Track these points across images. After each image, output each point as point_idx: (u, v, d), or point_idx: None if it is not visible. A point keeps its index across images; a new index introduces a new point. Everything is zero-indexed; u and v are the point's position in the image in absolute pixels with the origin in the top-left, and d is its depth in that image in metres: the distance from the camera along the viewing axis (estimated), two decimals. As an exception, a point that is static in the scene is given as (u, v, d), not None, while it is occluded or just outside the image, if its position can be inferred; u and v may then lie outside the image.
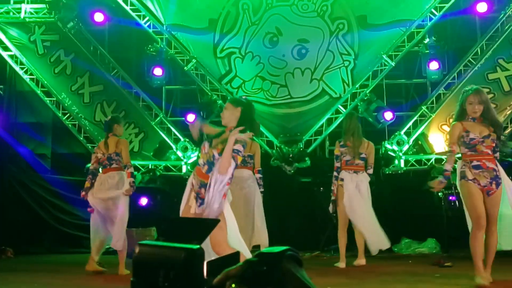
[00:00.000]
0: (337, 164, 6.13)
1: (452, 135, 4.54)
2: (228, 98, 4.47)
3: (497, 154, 4.55)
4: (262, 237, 5.98)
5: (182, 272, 1.24)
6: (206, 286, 1.23)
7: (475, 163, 4.41)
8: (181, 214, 4.14)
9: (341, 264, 6.06)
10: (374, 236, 6.00)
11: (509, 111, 8.45)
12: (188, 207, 4.09)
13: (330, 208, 6.21)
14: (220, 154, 3.97)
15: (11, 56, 8.98)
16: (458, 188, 4.56)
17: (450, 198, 7.76)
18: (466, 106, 4.51)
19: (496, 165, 4.46)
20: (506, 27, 8.55)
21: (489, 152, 4.44)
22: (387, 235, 6.14)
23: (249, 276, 1.12)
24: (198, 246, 1.26)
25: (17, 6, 8.96)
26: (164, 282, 1.25)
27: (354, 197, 6.00)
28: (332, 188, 6.16)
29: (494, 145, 4.47)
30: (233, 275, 1.15)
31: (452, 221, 7.37)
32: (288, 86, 8.76)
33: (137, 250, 1.33)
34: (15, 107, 9.12)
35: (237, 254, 1.27)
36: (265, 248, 4.11)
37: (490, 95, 8.47)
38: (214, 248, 3.99)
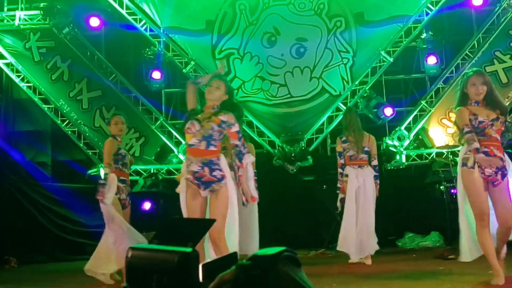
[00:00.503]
0: (341, 161, 6.10)
1: (463, 118, 4.13)
2: (219, 76, 4.38)
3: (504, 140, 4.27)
4: (253, 246, 5.88)
5: (176, 276, 1.21)
6: None
7: (483, 149, 4.06)
8: (188, 211, 4.03)
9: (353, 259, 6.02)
10: (366, 238, 5.94)
11: (507, 103, 8.50)
12: (194, 200, 4.00)
13: (338, 206, 6.19)
14: (219, 126, 3.98)
15: (7, 64, 8.88)
16: (459, 176, 4.21)
17: (452, 191, 7.81)
18: (468, 89, 4.18)
19: (504, 154, 4.15)
20: (502, 20, 8.61)
21: (498, 137, 4.12)
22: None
23: (242, 280, 1.09)
24: (192, 249, 1.23)
25: (11, 13, 8.86)
26: (158, 287, 1.23)
27: (359, 193, 5.99)
28: (339, 185, 6.14)
29: (503, 128, 4.15)
30: (227, 279, 1.13)
31: (454, 213, 7.38)
32: (288, 85, 8.76)
33: (129, 254, 1.29)
34: (12, 115, 9.01)
35: (234, 255, 1.25)
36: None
37: (488, 88, 8.55)
38: (212, 234, 3.93)
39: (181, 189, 4.09)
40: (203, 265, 1.21)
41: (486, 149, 4.06)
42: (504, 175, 4.06)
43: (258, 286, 1.08)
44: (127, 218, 5.30)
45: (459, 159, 4.25)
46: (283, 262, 1.10)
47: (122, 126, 5.46)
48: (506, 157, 4.17)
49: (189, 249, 1.23)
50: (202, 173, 3.95)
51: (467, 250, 4.27)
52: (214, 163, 3.98)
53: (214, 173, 3.97)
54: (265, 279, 1.08)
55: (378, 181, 6.06)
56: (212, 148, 3.99)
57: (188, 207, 4.03)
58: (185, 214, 4.07)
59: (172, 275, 1.22)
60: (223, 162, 4.05)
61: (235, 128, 4.04)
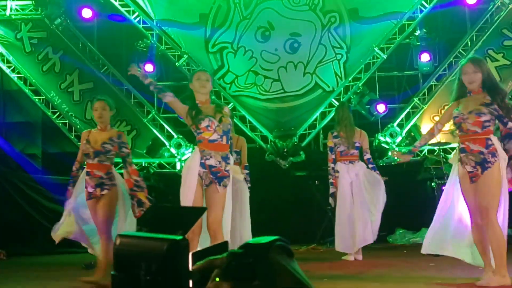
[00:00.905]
0: (332, 156, 6.05)
1: (443, 114, 4.21)
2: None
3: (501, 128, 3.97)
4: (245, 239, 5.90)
5: (164, 264, 1.19)
6: (190, 278, 1.18)
7: (461, 146, 4.01)
8: (191, 199, 4.04)
9: (350, 257, 5.99)
10: (361, 229, 5.92)
11: (499, 101, 8.56)
12: (197, 193, 4.04)
13: (331, 202, 6.18)
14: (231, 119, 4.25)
15: (-3, 55, 8.79)
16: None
17: (443, 188, 7.85)
18: (462, 78, 4.05)
19: (486, 146, 3.88)
20: (495, 18, 8.64)
21: (478, 129, 3.89)
22: (381, 226, 6.16)
23: (234, 268, 1.07)
24: (182, 237, 1.21)
25: (3, 3, 8.76)
26: (146, 275, 1.20)
27: (353, 187, 5.98)
28: (331, 180, 6.10)
29: (484, 119, 3.88)
30: (217, 265, 1.11)
31: (445, 211, 7.46)
32: (281, 81, 8.74)
33: (117, 241, 1.27)
34: (3, 106, 8.93)
35: (225, 244, 1.23)
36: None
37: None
38: (212, 226, 4.01)
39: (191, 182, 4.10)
40: (193, 254, 1.19)
41: (463, 145, 3.99)
42: (485, 168, 3.87)
43: (249, 274, 1.05)
44: (102, 209, 4.72)
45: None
46: (276, 251, 1.08)
47: (102, 112, 4.82)
48: (495, 146, 3.89)
49: (179, 237, 1.20)
50: (220, 167, 4.07)
51: (429, 242, 4.29)
52: (228, 157, 4.15)
53: (227, 168, 4.12)
54: (257, 268, 1.06)
55: (377, 171, 6.08)
56: (228, 142, 4.17)
57: (193, 199, 4.06)
58: (184, 203, 4.08)
59: (161, 263, 1.19)
60: (230, 156, 4.22)
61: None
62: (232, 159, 4.25)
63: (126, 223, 4.74)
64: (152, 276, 1.17)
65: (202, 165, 4.06)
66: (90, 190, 4.70)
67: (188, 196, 4.04)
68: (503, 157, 3.91)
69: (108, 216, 4.70)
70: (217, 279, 1.06)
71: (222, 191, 4.08)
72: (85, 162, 4.85)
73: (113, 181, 4.78)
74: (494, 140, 3.92)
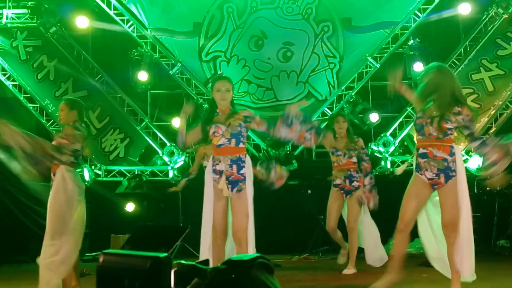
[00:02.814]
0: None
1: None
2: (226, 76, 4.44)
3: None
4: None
5: (148, 281, 1.19)
6: None
7: (421, 150, 3.75)
8: (210, 211, 4.00)
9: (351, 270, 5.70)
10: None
11: (493, 111, 8.53)
12: (218, 202, 4.01)
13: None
14: (245, 121, 4.06)
15: (-7, 62, 8.87)
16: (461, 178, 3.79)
17: (436, 198, 7.80)
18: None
19: (450, 154, 3.70)
20: (489, 28, 8.63)
21: (441, 136, 3.70)
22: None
23: (217, 284, 1.08)
24: (165, 254, 1.21)
25: (-2, 11, 8.85)
26: None
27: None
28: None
29: (449, 126, 3.70)
30: (199, 273, 1.12)
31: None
32: (274, 89, 8.77)
33: (101, 259, 1.27)
34: (-3, 114, 8.98)
35: (206, 262, 1.22)
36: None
37: (474, 96, 8.55)
38: (237, 234, 3.97)
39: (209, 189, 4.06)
40: (175, 271, 1.19)
41: (424, 150, 3.74)
42: (449, 177, 3.68)
43: None
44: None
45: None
46: (257, 268, 1.09)
47: (60, 113, 4.54)
48: (457, 156, 3.72)
49: (162, 254, 1.21)
50: (231, 171, 3.99)
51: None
52: (242, 160, 4.03)
53: (242, 171, 4.01)
54: (239, 283, 1.07)
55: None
56: (241, 145, 4.06)
57: (214, 208, 4.02)
58: (208, 213, 4.03)
59: (144, 280, 1.19)
60: (249, 160, 4.10)
61: (257, 117, 4.17)
62: (248, 159, 4.10)
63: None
64: None
65: (214, 171, 4.04)
66: None
67: (207, 207, 4.01)
68: (463, 168, 3.77)
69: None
70: None
71: (241, 197, 3.99)
72: None
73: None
74: (457, 149, 3.78)
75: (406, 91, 4.10)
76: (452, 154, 3.72)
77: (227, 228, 4.07)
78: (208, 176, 4.07)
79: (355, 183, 5.64)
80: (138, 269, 1.20)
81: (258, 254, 1.10)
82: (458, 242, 3.75)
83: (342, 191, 5.71)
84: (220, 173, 4.02)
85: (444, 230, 3.76)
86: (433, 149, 3.72)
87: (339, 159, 5.71)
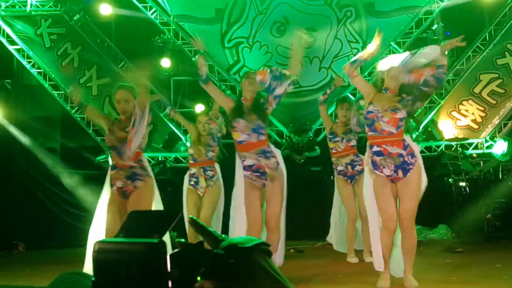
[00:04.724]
0: None
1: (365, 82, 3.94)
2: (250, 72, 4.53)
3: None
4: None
5: (144, 267, 1.21)
6: (170, 279, 1.21)
7: (375, 148, 3.70)
8: (247, 201, 4.10)
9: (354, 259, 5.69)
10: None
11: (517, 95, 8.45)
12: (252, 191, 4.09)
13: None
14: (266, 92, 4.14)
15: (18, 50, 8.95)
16: (368, 174, 3.86)
17: (461, 184, 7.78)
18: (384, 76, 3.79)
19: (404, 147, 3.65)
20: (514, 12, 8.52)
21: (394, 130, 3.64)
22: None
23: (216, 268, 1.10)
24: (159, 240, 1.24)
25: (23, -1, 8.93)
26: (126, 280, 1.23)
27: None
28: None
29: (400, 116, 3.65)
30: (207, 239, 1.15)
31: (462, 207, 7.39)
32: (296, 75, 8.73)
33: (96, 247, 1.30)
34: (23, 101, 9.10)
35: (201, 244, 1.24)
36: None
37: (499, 81, 8.47)
38: (269, 223, 4.06)
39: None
40: (170, 255, 1.22)
41: (378, 148, 3.69)
42: (406, 171, 3.66)
43: (231, 275, 1.10)
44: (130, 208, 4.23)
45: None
46: (257, 254, 1.12)
47: (125, 104, 4.10)
48: (412, 147, 3.71)
49: (156, 240, 1.24)
50: (259, 164, 4.05)
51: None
52: (266, 151, 4.09)
53: (270, 161, 4.06)
54: (239, 269, 1.09)
55: None
56: (262, 137, 4.09)
57: (247, 197, 4.11)
58: (238, 204, 4.15)
59: (141, 266, 1.22)
60: (274, 148, 4.17)
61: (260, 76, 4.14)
62: (273, 147, 4.15)
63: None
64: (132, 280, 1.20)
65: (244, 167, 4.11)
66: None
67: (239, 200, 4.13)
68: (420, 157, 3.75)
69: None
70: (199, 278, 1.10)
71: (273, 186, 4.07)
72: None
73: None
74: (409, 140, 3.77)
75: (360, 80, 3.96)
76: (405, 147, 3.67)
77: (261, 219, 4.12)
78: (240, 173, 4.14)
79: (357, 167, 5.42)
80: (134, 256, 1.23)
81: (260, 240, 1.13)
82: (410, 233, 3.75)
83: (346, 177, 5.57)
84: (249, 167, 4.07)
85: (401, 224, 3.73)
86: (387, 146, 3.65)
87: (337, 145, 5.58)
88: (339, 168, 5.61)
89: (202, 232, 1.20)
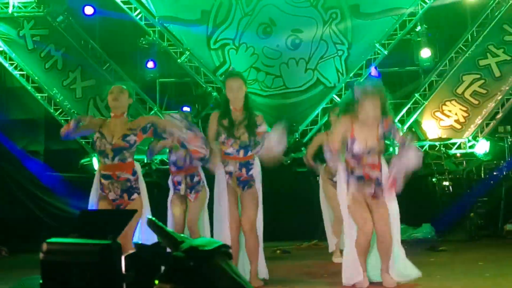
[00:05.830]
0: None
1: (337, 131, 4.00)
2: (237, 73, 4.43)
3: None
4: None
5: (96, 269, 1.17)
6: (125, 282, 1.18)
7: (357, 173, 3.88)
8: (225, 208, 4.10)
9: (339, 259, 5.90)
10: None
11: (500, 97, 8.60)
12: (231, 196, 4.10)
13: None
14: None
15: (0, 52, 8.81)
16: (341, 188, 4.02)
17: (444, 183, 7.89)
18: (360, 104, 3.83)
19: (381, 170, 3.93)
20: (496, 13, 8.66)
21: (375, 161, 3.90)
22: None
23: (174, 272, 1.09)
24: (112, 241, 1.20)
25: (5, 0, 8.76)
26: (79, 282, 1.19)
27: None
28: None
29: (380, 153, 3.95)
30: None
31: (446, 206, 7.50)
32: (283, 77, 8.79)
33: (44, 248, 1.25)
34: (5, 103, 8.98)
35: (157, 245, 1.22)
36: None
37: (481, 81, 8.62)
38: (244, 227, 4.10)
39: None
40: (125, 257, 1.19)
41: (361, 174, 3.87)
42: (381, 190, 3.89)
43: (190, 278, 1.09)
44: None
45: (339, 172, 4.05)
46: (218, 256, 1.11)
47: (120, 96, 4.00)
48: (382, 166, 3.94)
49: (109, 241, 1.20)
50: (240, 173, 4.10)
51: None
52: (250, 163, 4.13)
53: (250, 172, 4.13)
54: (199, 272, 1.06)
55: None
56: (249, 153, 4.12)
57: (228, 199, 4.12)
58: (221, 206, 4.12)
59: (93, 268, 1.18)
60: (257, 161, 4.19)
61: (262, 128, 4.17)
62: (256, 161, 4.17)
63: None
64: (86, 281, 1.16)
65: (224, 172, 4.11)
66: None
67: (221, 203, 4.11)
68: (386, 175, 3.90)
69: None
70: (156, 282, 1.08)
71: (250, 193, 4.12)
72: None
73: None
74: (382, 160, 3.97)
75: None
76: (381, 169, 3.92)
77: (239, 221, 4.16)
78: (221, 176, 4.12)
79: None
80: (87, 257, 1.19)
81: (221, 243, 1.12)
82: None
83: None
84: (229, 174, 4.09)
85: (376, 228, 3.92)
86: (369, 171, 3.86)
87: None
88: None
89: (161, 234, 1.17)
